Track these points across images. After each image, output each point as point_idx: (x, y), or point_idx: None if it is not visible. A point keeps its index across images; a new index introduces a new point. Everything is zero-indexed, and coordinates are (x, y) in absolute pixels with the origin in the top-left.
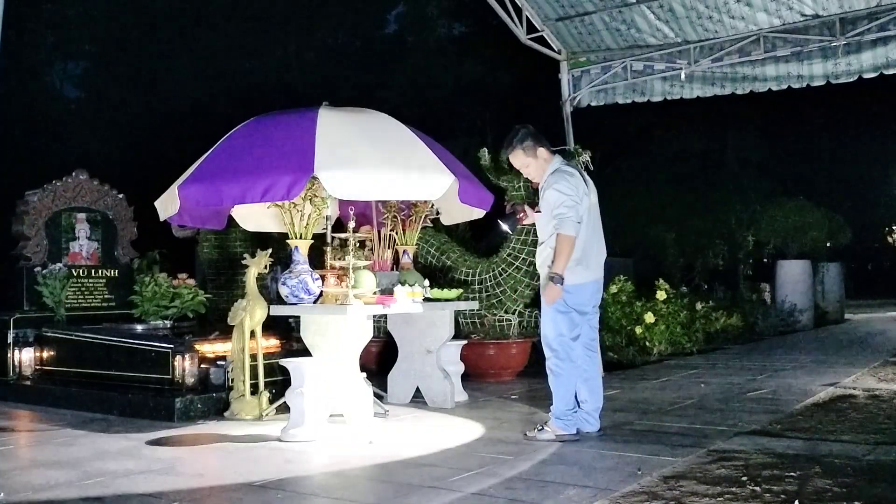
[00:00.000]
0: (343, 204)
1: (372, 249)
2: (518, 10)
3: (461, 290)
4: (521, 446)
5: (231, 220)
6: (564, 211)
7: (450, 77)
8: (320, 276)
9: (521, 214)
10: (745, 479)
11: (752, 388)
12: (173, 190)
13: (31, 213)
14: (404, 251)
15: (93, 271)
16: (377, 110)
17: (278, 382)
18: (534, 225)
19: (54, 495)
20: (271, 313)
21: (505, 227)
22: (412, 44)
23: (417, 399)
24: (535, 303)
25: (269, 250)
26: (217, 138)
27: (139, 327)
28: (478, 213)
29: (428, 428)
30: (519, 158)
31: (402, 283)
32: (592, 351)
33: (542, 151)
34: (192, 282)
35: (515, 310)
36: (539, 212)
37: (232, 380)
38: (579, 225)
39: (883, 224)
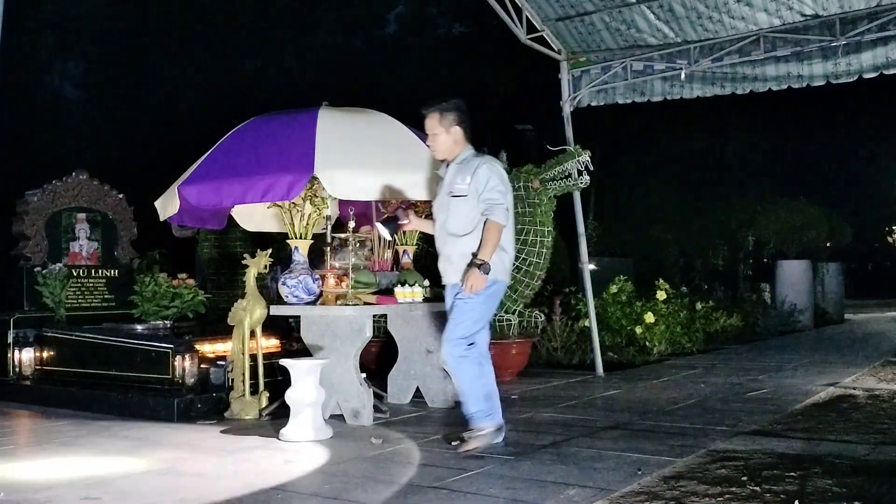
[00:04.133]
0: (343, 204)
1: (372, 249)
2: (518, 10)
3: None
4: (521, 446)
5: (231, 220)
6: (497, 196)
7: (450, 77)
8: (320, 276)
9: (404, 220)
10: (745, 479)
11: (752, 388)
12: (173, 190)
13: (31, 213)
14: (404, 251)
15: (93, 271)
16: (377, 110)
17: (278, 382)
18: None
19: (54, 495)
20: (271, 313)
21: (385, 231)
22: (412, 44)
23: (417, 399)
24: (535, 303)
25: (269, 250)
26: (217, 138)
27: (139, 327)
28: None
29: (428, 428)
30: (432, 123)
31: (402, 283)
32: (488, 362)
33: (458, 131)
34: (192, 282)
35: (515, 310)
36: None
37: (232, 380)
38: (508, 215)
39: (883, 224)
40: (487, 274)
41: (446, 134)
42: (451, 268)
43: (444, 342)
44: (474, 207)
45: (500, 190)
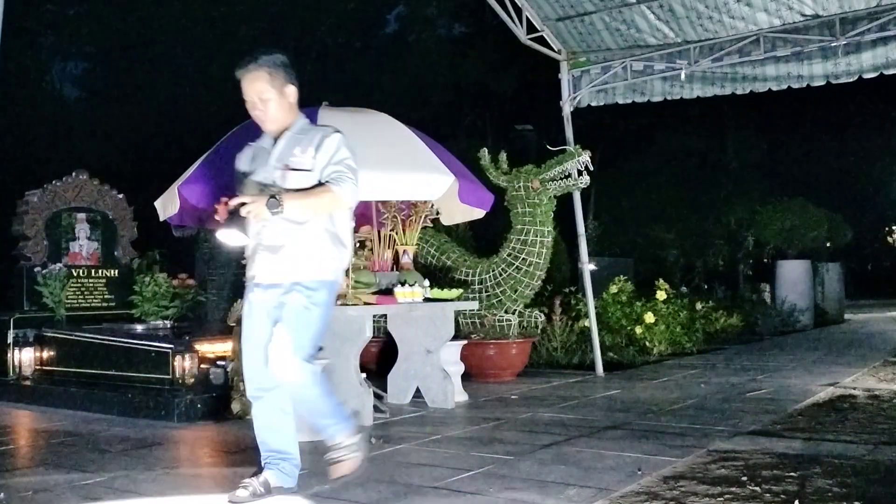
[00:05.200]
0: None
1: (372, 249)
2: (518, 10)
3: (461, 290)
4: (521, 446)
5: None
6: (346, 170)
7: (450, 77)
8: None
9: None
10: (745, 479)
11: (752, 388)
12: (173, 190)
13: (31, 213)
14: (404, 251)
15: (93, 271)
16: (377, 110)
17: None
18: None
19: (54, 495)
20: None
21: (235, 235)
22: (412, 44)
23: (417, 399)
24: (535, 303)
25: None
26: (217, 138)
27: (139, 327)
28: (478, 213)
29: (428, 428)
30: (260, 86)
31: (402, 283)
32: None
33: (293, 91)
34: (192, 282)
35: (515, 310)
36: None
37: (233, 379)
38: (355, 197)
39: (883, 224)
40: (272, 210)
41: (280, 97)
42: (283, 263)
43: (286, 364)
44: (314, 181)
45: (351, 165)
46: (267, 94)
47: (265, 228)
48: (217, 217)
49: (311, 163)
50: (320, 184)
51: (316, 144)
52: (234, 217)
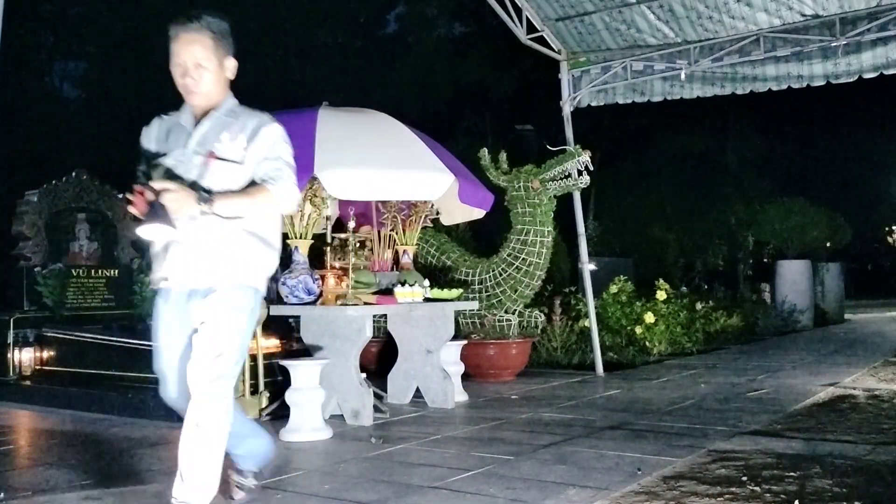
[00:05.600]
0: (343, 204)
1: (372, 249)
2: (518, 10)
3: (461, 290)
4: (521, 446)
5: None
6: (285, 167)
7: (450, 77)
8: (320, 276)
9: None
10: (745, 479)
11: (752, 388)
12: None
13: (31, 213)
14: (404, 251)
15: (93, 271)
16: (377, 110)
17: (278, 382)
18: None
19: (54, 495)
20: (271, 313)
21: (165, 226)
22: (412, 44)
23: (417, 399)
24: (535, 303)
25: None
26: None
27: (139, 327)
28: (478, 213)
29: (428, 428)
30: (197, 47)
31: (402, 283)
32: None
33: (233, 65)
34: None
35: (515, 310)
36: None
37: None
38: (292, 200)
39: (883, 224)
40: (202, 205)
41: (219, 69)
42: (203, 266)
43: (205, 383)
44: (249, 181)
45: (291, 163)
46: (206, 61)
47: (181, 223)
48: (133, 209)
49: (240, 154)
50: (253, 182)
51: (249, 133)
52: (156, 208)
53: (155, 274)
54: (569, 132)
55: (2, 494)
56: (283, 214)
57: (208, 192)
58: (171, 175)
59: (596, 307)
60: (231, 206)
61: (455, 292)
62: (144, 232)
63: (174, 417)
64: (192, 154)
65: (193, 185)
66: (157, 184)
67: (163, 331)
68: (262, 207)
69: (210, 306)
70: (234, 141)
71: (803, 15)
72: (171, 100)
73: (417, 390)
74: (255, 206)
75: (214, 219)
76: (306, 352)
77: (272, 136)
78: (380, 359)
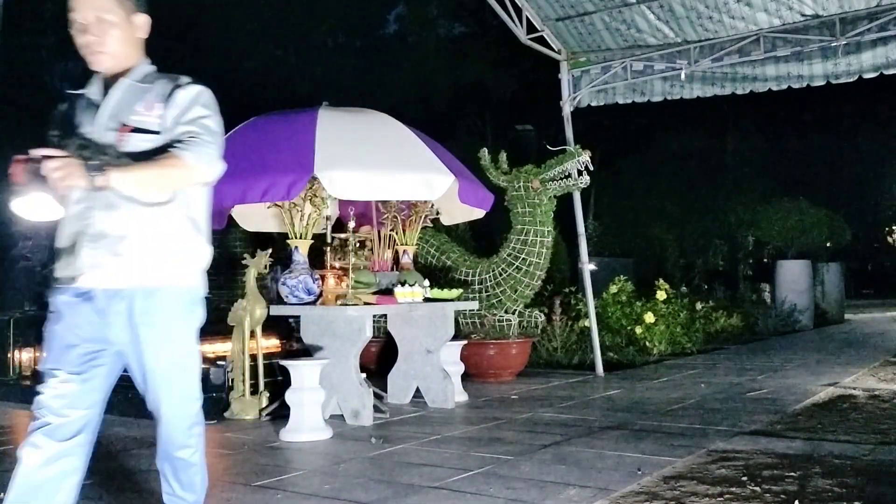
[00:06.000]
0: (343, 204)
1: (372, 249)
2: (518, 10)
3: (461, 290)
4: (521, 446)
5: (231, 220)
6: (204, 132)
7: (450, 77)
8: (320, 276)
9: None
10: (745, 479)
11: (752, 388)
12: None
13: None
14: (404, 251)
15: None
16: (377, 110)
17: (278, 382)
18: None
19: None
20: (271, 313)
21: (48, 200)
22: (412, 44)
23: (417, 399)
24: (535, 303)
25: (269, 250)
26: None
27: None
28: (478, 213)
29: (428, 428)
30: (102, 2)
31: (402, 283)
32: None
33: (144, 22)
34: None
35: (515, 310)
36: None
37: (232, 380)
38: (215, 171)
39: (883, 224)
40: (91, 176)
41: (127, 25)
42: (125, 262)
43: (185, 431)
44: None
45: (210, 127)
46: (110, 14)
47: (96, 209)
48: (15, 179)
49: (157, 122)
50: (165, 149)
51: (165, 97)
52: (36, 176)
53: (61, 271)
54: (569, 132)
55: (2, 494)
56: (204, 186)
57: (100, 160)
58: (85, 145)
59: (596, 307)
60: (133, 178)
61: (455, 292)
62: (19, 207)
63: None
64: (102, 130)
65: (107, 152)
66: (38, 150)
67: (66, 333)
68: (175, 180)
69: (157, 333)
70: (151, 111)
71: (803, 15)
72: None
73: (417, 390)
74: (165, 179)
75: (138, 203)
76: (306, 352)
77: (188, 97)
78: (380, 359)
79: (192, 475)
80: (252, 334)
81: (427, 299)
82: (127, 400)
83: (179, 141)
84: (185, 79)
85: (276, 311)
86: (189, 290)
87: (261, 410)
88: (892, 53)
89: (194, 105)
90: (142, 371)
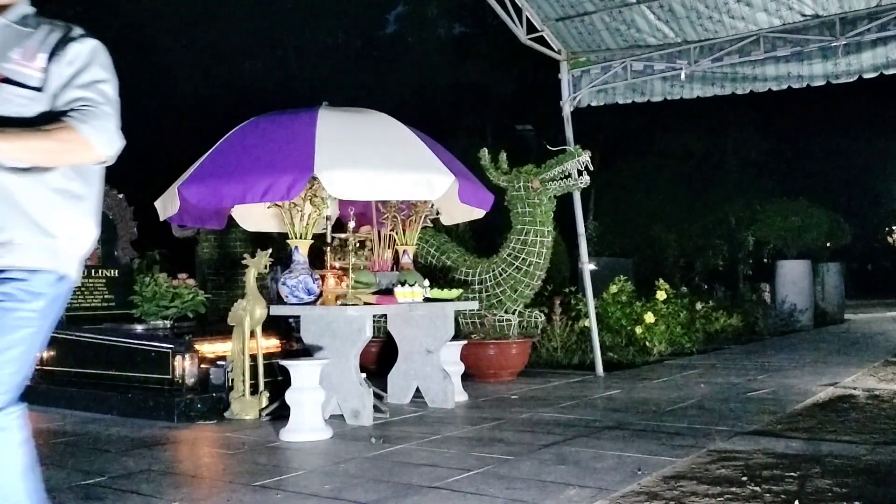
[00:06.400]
0: (343, 204)
1: (372, 249)
2: (518, 10)
3: (461, 290)
4: (521, 446)
5: (231, 220)
6: (101, 101)
7: (450, 77)
8: (320, 276)
9: None
10: (745, 479)
11: (752, 388)
12: (173, 190)
13: None
14: (404, 251)
15: (93, 271)
16: (377, 110)
17: (278, 382)
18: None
19: (54, 495)
20: (271, 313)
21: None
22: (412, 44)
23: (417, 399)
24: (535, 303)
25: (269, 250)
26: (217, 138)
27: (139, 327)
28: (478, 213)
29: (428, 428)
30: None
31: (402, 283)
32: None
33: None
34: (192, 282)
35: (515, 310)
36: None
37: (232, 380)
38: (112, 151)
39: (883, 224)
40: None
41: None
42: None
43: None
44: (50, 114)
45: (109, 94)
46: None
47: None
48: None
49: (39, 77)
50: (55, 117)
51: (50, 48)
52: None
53: None
54: (569, 132)
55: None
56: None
57: None
58: None
59: (596, 307)
60: (12, 149)
61: (455, 292)
62: None
63: (174, 417)
64: None
65: None
66: None
67: None
68: (63, 154)
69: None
70: (33, 60)
71: (803, 15)
72: (172, 99)
73: (417, 390)
74: (53, 154)
75: (36, 176)
76: (306, 352)
77: (84, 52)
78: (380, 359)
79: None
80: (252, 334)
81: (427, 299)
82: (127, 400)
83: (73, 109)
84: (77, 29)
85: (276, 311)
86: (49, 274)
87: (261, 410)
88: (892, 53)
89: (91, 65)
90: None
